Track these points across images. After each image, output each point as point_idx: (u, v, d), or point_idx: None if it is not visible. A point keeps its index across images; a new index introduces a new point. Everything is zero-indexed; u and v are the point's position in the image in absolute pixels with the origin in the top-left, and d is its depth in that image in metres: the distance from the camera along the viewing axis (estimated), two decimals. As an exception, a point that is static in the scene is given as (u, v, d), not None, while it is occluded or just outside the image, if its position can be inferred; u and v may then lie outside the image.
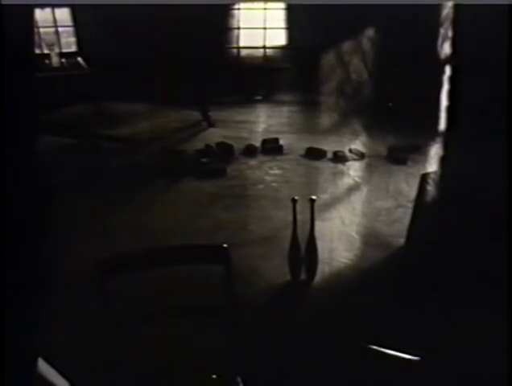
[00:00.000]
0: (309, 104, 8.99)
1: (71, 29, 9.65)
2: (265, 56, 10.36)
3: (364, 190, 5.45)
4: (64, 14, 9.57)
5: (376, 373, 2.10)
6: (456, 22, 4.08)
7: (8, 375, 1.21)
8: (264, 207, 4.98)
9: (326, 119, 8.27)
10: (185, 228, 4.48)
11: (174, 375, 2.55)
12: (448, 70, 4.14)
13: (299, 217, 3.61)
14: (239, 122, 8.12)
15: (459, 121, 3.72)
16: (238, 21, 10.08)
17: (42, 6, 8.94)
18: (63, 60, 9.36)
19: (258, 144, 6.75)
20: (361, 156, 6.38)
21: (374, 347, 2.27)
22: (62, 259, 3.59)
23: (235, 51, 10.30)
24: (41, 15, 9.19)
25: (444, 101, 3.96)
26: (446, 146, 4.25)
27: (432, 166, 5.17)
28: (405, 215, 4.40)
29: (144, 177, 5.74)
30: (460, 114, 3.67)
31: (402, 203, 4.91)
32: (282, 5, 9.90)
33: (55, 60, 9.31)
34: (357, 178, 5.77)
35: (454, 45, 4.34)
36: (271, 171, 6.01)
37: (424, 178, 4.21)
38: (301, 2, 8.99)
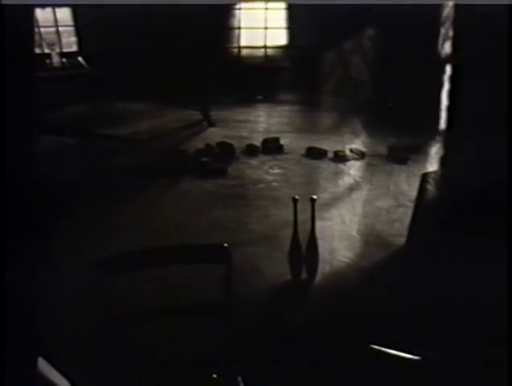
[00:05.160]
0: (310, 103, 8.99)
1: (71, 28, 9.65)
2: (265, 56, 10.35)
3: (364, 189, 5.45)
4: (64, 14, 9.57)
5: (376, 373, 2.09)
6: (456, 22, 4.08)
7: (8, 375, 1.21)
8: (264, 207, 4.98)
9: (326, 118, 8.27)
10: (185, 228, 4.48)
11: (174, 375, 2.55)
12: (448, 70, 4.14)
13: (299, 216, 3.61)
14: (240, 122, 8.12)
15: (459, 120, 3.71)
16: (239, 21, 10.08)
17: (42, 6, 8.94)
18: (63, 60, 9.37)
19: (258, 143, 6.74)
20: (361, 155, 6.38)
21: (375, 347, 2.27)
22: (62, 258, 3.60)
23: (236, 50, 10.29)
24: (41, 15, 9.19)
25: (444, 101, 3.97)
26: (446, 146, 4.25)
27: (433, 166, 5.17)
28: (405, 215, 4.40)
29: (144, 176, 5.73)
30: (460, 114, 3.67)
31: (403, 203, 4.91)
32: (282, 4, 9.90)
33: (55, 60, 9.32)
34: (357, 178, 5.77)
35: (454, 45, 4.34)
36: (272, 171, 6.01)
37: (425, 177, 4.21)
38: (301, 2, 8.98)
